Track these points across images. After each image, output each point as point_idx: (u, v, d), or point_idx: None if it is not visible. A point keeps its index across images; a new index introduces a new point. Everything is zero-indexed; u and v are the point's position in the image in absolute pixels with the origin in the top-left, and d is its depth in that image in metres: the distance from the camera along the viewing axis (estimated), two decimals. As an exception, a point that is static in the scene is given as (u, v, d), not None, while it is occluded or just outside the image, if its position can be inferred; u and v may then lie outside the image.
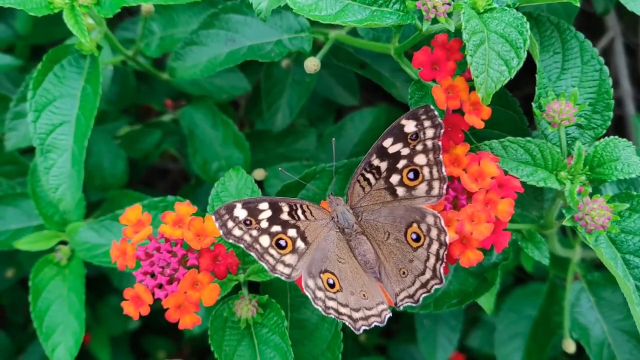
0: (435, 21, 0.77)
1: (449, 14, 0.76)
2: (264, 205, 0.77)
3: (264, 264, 0.77)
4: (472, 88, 0.78)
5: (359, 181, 0.80)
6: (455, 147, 0.79)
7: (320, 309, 0.77)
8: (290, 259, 0.78)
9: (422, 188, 0.77)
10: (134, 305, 0.77)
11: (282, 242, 0.77)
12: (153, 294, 0.77)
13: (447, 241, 0.75)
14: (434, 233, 0.76)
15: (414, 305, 0.79)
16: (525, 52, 0.73)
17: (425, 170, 0.77)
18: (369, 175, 0.79)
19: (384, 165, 0.78)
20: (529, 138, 0.81)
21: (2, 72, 1.33)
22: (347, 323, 0.78)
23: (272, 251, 0.77)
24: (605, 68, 0.86)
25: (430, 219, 0.76)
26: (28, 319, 1.34)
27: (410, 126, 0.77)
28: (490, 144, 0.81)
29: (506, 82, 0.73)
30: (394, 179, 0.78)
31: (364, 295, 0.78)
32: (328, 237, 0.80)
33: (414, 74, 0.87)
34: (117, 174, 1.27)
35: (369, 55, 1.13)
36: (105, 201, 1.24)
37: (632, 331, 1.06)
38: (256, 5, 0.82)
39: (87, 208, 1.13)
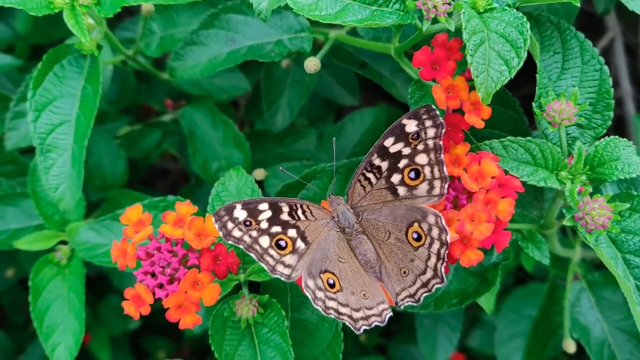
0: (435, 21, 0.77)
1: (449, 14, 0.76)
2: (263, 206, 0.77)
3: (263, 265, 0.77)
4: (472, 88, 0.78)
5: (359, 181, 0.80)
6: (455, 146, 0.79)
7: (320, 309, 0.77)
8: (290, 259, 0.78)
9: (423, 187, 0.77)
10: (135, 305, 0.77)
11: (282, 243, 0.77)
12: (154, 294, 0.76)
13: (448, 240, 0.75)
14: (435, 232, 0.76)
15: (414, 304, 0.79)
16: (526, 52, 0.73)
17: (427, 170, 0.77)
18: (369, 175, 0.79)
19: (385, 165, 0.78)
20: (529, 138, 0.80)
21: (2, 72, 1.33)
22: (347, 323, 0.78)
23: (271, 252, 0.77)
24: (606, 68, 0.86)
25: (431, 218, 0.76)
26: (28, 319, 1.34)
27: (411, 126, 0.77)
28: (491, 143, 0.81)
29: (506, 81, 0.73)
30: (395, 178, 0.78)
31: (364, 294, 0.78)
32: (328, 237, 0.80)
33: (414, 73, 0.87)
34: (117, 174, 1.27)
35: (369, 55, 1.13)
36: (105, 201, 1.24)
37: (633, 331, 1.06)
38: (256, 5, 0.82)
39: (87, 208, 1.13)
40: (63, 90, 0.97)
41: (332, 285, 0.78)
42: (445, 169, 0.76)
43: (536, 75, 0.86)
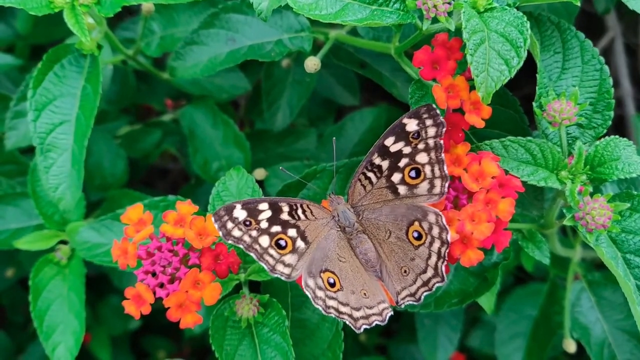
0: (435, 20, 0.77)
1: (449, 13, 0.76)
2: (263, 206, 0.77)
3: (263, 265, 0.77)
4: (472, 87, 0.78)
5: (360, 180, 0.80)
6: (455, 146, 0.79)
7: (320, 308, 0.77)
8: (290, 258, 0.78)
9: (424, 186, 0.77)
10: (135, 304, 0.77)
11: (282, 242, 0.77)
12: (154, 293, 0.76)
13: (449, 239, 0.75)
14: (435, 231, 0.76)
15: (415, 303, 0.79)
16: (526, 52, 0.73)
17: (427, 169, 0.77)
18: (370, 174, 0.79)
19: (385, 164, 0.78)
20: (529, 137, 0.80)
21: (2, 72, 1.33)
22: (347, 322, 0.78)
23: (271, 251, 0.77)
24: (606, 67, 0.86)
25: (431, 217, 0.76)
26: (28, 318, 1.34)
27: (412, 125, 0.77)
28: (491, 143, 0.81)
29: (506, 81, 0.73)
30: (396, 177, 0.78)
31: (364, 294, 0.78)
32: (329, 236, 0.80)
33: (415, 73, 0.87)
34: (117, 174, 1.27)
35: (369, 54, 1.13)
36: (105, 201, 1.24)
37: (633, 331, 1.06)
38: (257, 4, 0.82)
39: (87, 208, 1.13)
40: (63, 90, 0.97)
41: (333, 285, 0.78)
42: (445, 167, 0.76)
43: (536, 74, 0.86)
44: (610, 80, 0.86)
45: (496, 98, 0.75)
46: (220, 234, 0.75)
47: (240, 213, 0.76)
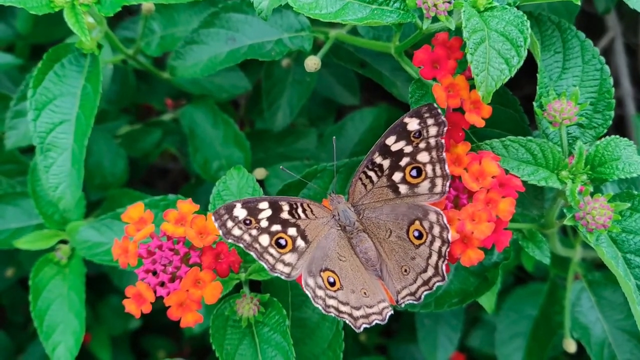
0: (435, 20, 0.77)
1: (450, 12, 0.76)
2: (263, 205, 0.77)
3: (263, 264, 0.77)
4: (472, 86, 0.78)
5: (361, 179, 0.80)
6: (456, 146, 0.79)
7: (320, 307, 0.77)
8: (290, 257, 0.78)
9: (425, 185, 0.77)
10: (136, 303, 0.77)
11: (282, 241, 0.77)
12: (155, 292, 0.76)
13: (450, 238, 0.75)
14: (436, 230, 0.76)
15: (415, 302, 0.79)
16: (526, 51, 0.73)
17: (428, 168, 0.77)
18: (371, 173, 0.79)
19: (386, 163, 0.78)
20: (530, 137, 0.80)
21: (2, 71, 1.33)
22: (347, 321, 0.78)
23: (271, 250, 0.77)
24: (606, 67, 0.86)
25: (432, 216, 0.76)
26: (28, 318, 1.34)
27: (413, 124, 0.77)
28: (491, 143, 0.81)
29: (506, 80, 0.73)
30: (397, 176, 0.78)
31: (365, 293, 0.78)
32: (329, 236, 0.80)
33: (415, 72, 0.87)
34: (117, 173, 1.27)
35: (369, 54, 1.13)
36: (105, 200, 1.24)
37: (633, 331, 1.06)
38: (257, 4, 0.82)
39: (87, 207, 1.13)
40: (63, 89, 0.97)
41: (333, 284, 0.78)
42: (446, 167, 0.76)
43: (537, 74, 0.86)
44: (611, 80, 0.86)
45: (496, 97, 0.74)
46: (220, 232, 0.75)
47: (240, 212, 0.76)
